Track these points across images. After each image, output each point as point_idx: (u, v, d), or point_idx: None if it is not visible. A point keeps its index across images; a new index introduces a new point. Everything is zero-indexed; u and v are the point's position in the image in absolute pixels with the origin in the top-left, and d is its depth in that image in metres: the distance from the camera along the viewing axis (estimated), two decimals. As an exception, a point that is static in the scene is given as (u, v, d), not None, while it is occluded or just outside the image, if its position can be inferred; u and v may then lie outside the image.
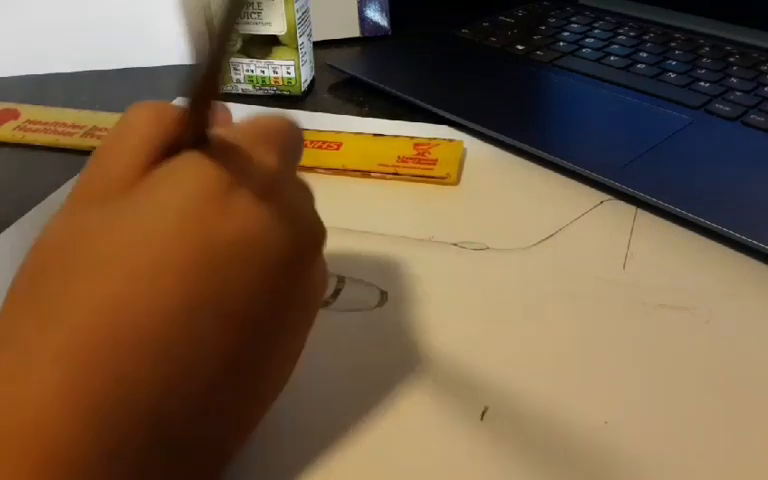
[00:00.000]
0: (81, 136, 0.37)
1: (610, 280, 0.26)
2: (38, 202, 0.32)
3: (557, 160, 0.33)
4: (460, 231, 0.29)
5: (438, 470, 0.19)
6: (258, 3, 0.40)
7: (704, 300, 0.25)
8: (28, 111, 0.40)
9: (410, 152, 0.34)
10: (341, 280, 0.26)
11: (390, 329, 0.24)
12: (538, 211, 0.30)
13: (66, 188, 0.32)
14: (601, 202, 0.31)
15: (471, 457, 0.20)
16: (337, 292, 0.26)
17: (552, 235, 0.29)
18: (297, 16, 0.40)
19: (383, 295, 0.26)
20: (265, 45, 0.41)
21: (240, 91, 0.43)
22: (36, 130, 0.38)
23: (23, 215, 0.31)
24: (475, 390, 0.22)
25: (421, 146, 0.34)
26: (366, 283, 0.26)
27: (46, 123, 0.38)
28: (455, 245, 0.28)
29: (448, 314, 0.25)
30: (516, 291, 0.26)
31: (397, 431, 0.21)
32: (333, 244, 0.27)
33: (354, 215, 0.30)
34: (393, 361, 0.23)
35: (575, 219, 0.30)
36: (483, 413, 0.21)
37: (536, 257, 0.28)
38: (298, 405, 0.21)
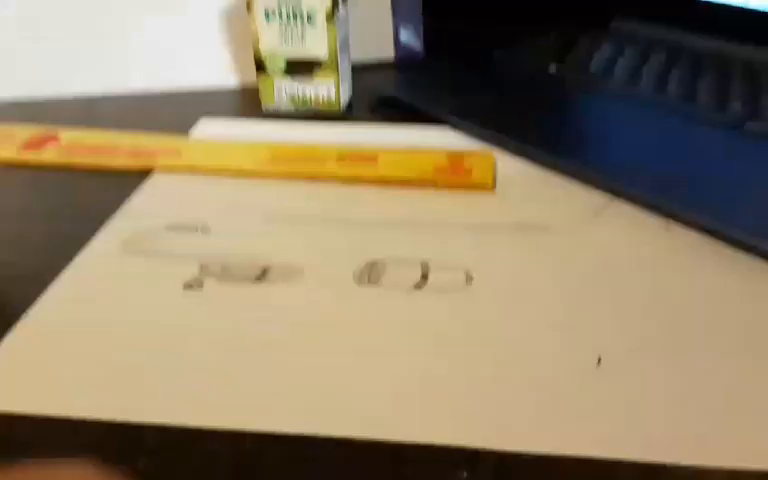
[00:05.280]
0: (125, 156, 0.38)
1: (662, 245, 0.30)
2: (96, 221, 0.33)
3: (590, 175, 0.34)
4: (513, 220, 0.32)
5: (560, 420, 0.21)
6: (302, 29, 0.42)
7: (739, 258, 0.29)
8: (68, 135, 0.40)
9: (445, 163, 0.35)
10: (425, 266, 0.29)
11: (484, 302, 0.27)
12: (575, 203, 0.33)
13: (133, 203, 0.35)
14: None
15: (592, 403, 0.22)
16: (425, 276, 0.28)
17: (597, 215, 0.32)
18: (338, 40, 0.42)
19: (468, 276, 0.28)
20: (308, 67, 0.43)
21: (283, 111, 0.45)
22: (80, 152, 0.38)
23: (80, 232, 0.33)
24: (584, 342, 0.25)
25: (455, 157, 0.36)
26: (449, 267, 0.28)
27: (88, 146, 0.39)
28: (516, 229, 0.31)
29: (532, 285, 0.27)
30: (584, 261, 0.29)
31: (524, 381, 0.23)
32: (409, 237, 0.30)
33: (411, 212, 0.33)
34: (495, 329, 0.26)
35: (610, 202, 0.33)
36: (599, 361, 0.24)
37: (590, 233, 0.31)
38: (416, 382, 0.23)
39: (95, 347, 0.25)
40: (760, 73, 0.45)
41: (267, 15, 0.42)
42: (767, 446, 0.21)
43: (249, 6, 0.42)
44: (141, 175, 0.37)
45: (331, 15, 0.41)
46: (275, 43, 0.43)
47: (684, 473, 0.20)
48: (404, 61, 0.53)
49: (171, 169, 0.37)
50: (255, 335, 0.25)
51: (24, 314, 0.27)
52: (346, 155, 0.37)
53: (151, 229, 0.32)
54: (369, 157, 0.37)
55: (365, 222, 0.32)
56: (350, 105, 0.46)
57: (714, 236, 0.30)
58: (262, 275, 0.28)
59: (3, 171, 0.38)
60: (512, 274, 0.28)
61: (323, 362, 0.24)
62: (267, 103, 0.45)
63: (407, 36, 0.53)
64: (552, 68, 0.47)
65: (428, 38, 0.53)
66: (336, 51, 0.42)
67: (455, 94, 0.44)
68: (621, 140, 0.38)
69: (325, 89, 0.44)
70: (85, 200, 0.35)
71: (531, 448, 0.21)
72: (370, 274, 0.28)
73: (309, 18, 0.42)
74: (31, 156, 0.39)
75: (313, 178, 0.36)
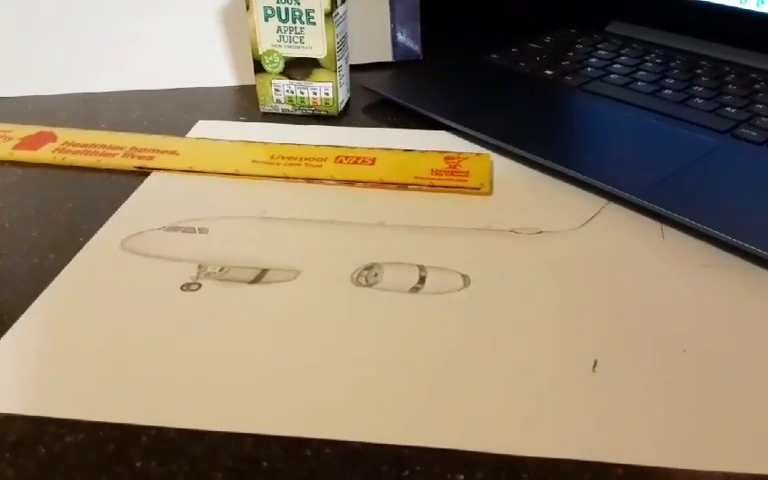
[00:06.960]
0: (122, 156, 0.38)
1: (657, 247, 0.30)
2: (93, 221, 0.34)
3: (586, 179, 0.34)
4: (510, 223, 0.32)
5: (559, 421, 0.22)
6: (301, 28, 0.42)
7: (734, 260, 0.30)
8: (65, 134, 0.40)
9: (442, 165, 0.35)
10: (422, 269, 0.29)
11: (482, 305, 0.27)
12: (571, 206, 0.33)
13: (131, 203, 0.35)
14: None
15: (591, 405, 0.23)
16: (422, 279, 0.28)
17: (593, 217, 0.32)
18: (337, 40, 0.42)
19: (465, 278, 0.28)
20: (306, 67, 0.43)
21: (281, 111, 0.45)
22: (76, 152, 0.38)
23: (77, 232, 0.33)
24: (580, 345, 0.25)
25: (452, 159, 0.36)
26: (446, 269, 0.29)
27: (85, 145, 0.39)
28: (512, 231, 0.31)
29: (529, 287, 0.28)
30: (580, 263, 0.29)
31: (520, 387, 0.23)
32: (407, 239, 0.31)
33: (409, 214, 0.33)
34: (493, 332, 0.26)
35: (606, 205, 0.34)
36: (594, 365, 0.24)
37: (586, 235, 0.31)
38: (413, 385, 0.23)
39: (92, 347, 0.25)
40: (754, 78, 0.45)
41: (266, 14, 0.42)
42: (762, 450, 0.21)
43: (248, 5, 0.42)
44: (139, 175, 0.37)
45: (330, 13, 0.41)
46: (273, 42, 0.43)
47: (679, 477, 0.20)
48: (402, 63, 0.53)
49: (169, 169, 0.37)
50: (253, 336, 0.25)
51: (21, 314, 0.27)
52: (344, 157, 0.37)
53: (149, 230, 0.32)
54: (367, 159, 0.37)
55: (363, 224, 0.32)
56: (348, 106, 0.46)
57: (708, 240, 0.30)
58: (260, 276, 0.28)
59: (0, 170, 0.38)
60: (509, 277, 0.28)
61: (320, 364, 0.24)
62: (265, 103, 0.45)
63: (405, 38, 0.53)
64: (549, 71, 0.47)
65: (426, 40, 0.53)
66: (335, 50, 0.42)
67: (452, 96, 0.45)
68: (616, 143, 0.38)
69: (323, 89, 0.44)
70: (82, 200, 0.35)
71: (528, 451, 0.21)
72: (367, 276, 0.28)
73: (308, 16, 0.42)
74: (28, 155, 0.39)
75: (311, 179, 0.36)
